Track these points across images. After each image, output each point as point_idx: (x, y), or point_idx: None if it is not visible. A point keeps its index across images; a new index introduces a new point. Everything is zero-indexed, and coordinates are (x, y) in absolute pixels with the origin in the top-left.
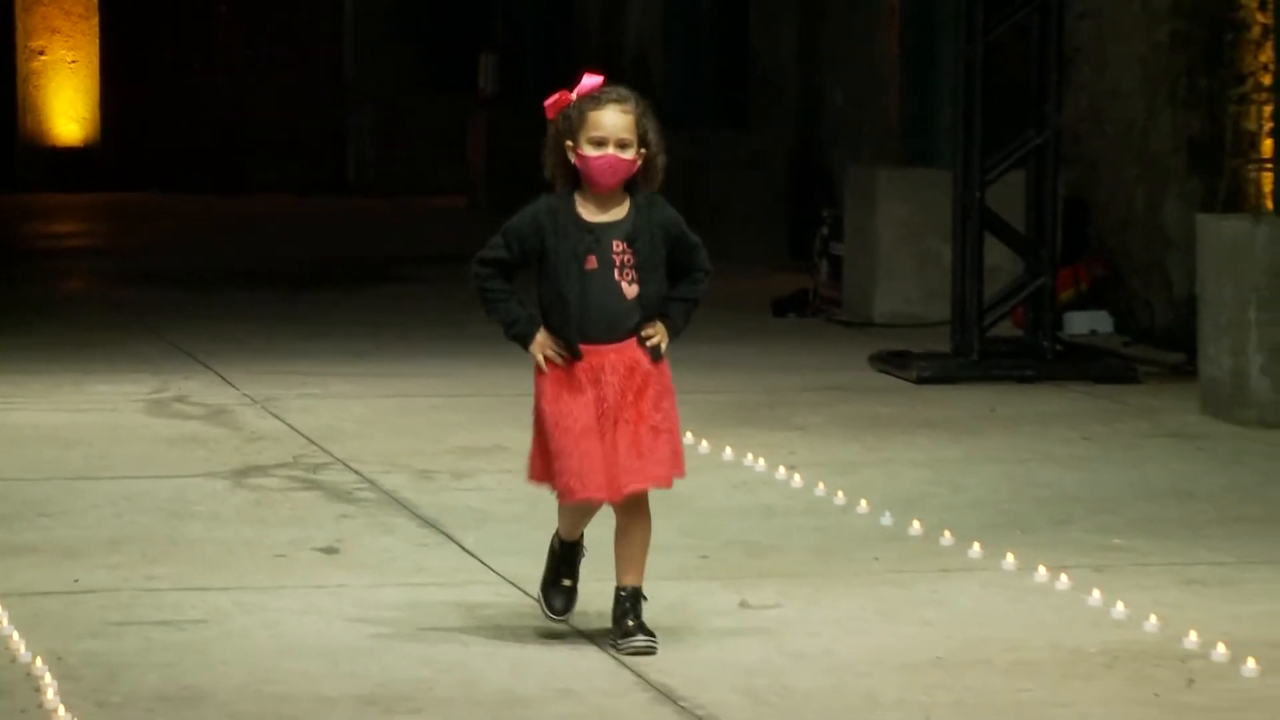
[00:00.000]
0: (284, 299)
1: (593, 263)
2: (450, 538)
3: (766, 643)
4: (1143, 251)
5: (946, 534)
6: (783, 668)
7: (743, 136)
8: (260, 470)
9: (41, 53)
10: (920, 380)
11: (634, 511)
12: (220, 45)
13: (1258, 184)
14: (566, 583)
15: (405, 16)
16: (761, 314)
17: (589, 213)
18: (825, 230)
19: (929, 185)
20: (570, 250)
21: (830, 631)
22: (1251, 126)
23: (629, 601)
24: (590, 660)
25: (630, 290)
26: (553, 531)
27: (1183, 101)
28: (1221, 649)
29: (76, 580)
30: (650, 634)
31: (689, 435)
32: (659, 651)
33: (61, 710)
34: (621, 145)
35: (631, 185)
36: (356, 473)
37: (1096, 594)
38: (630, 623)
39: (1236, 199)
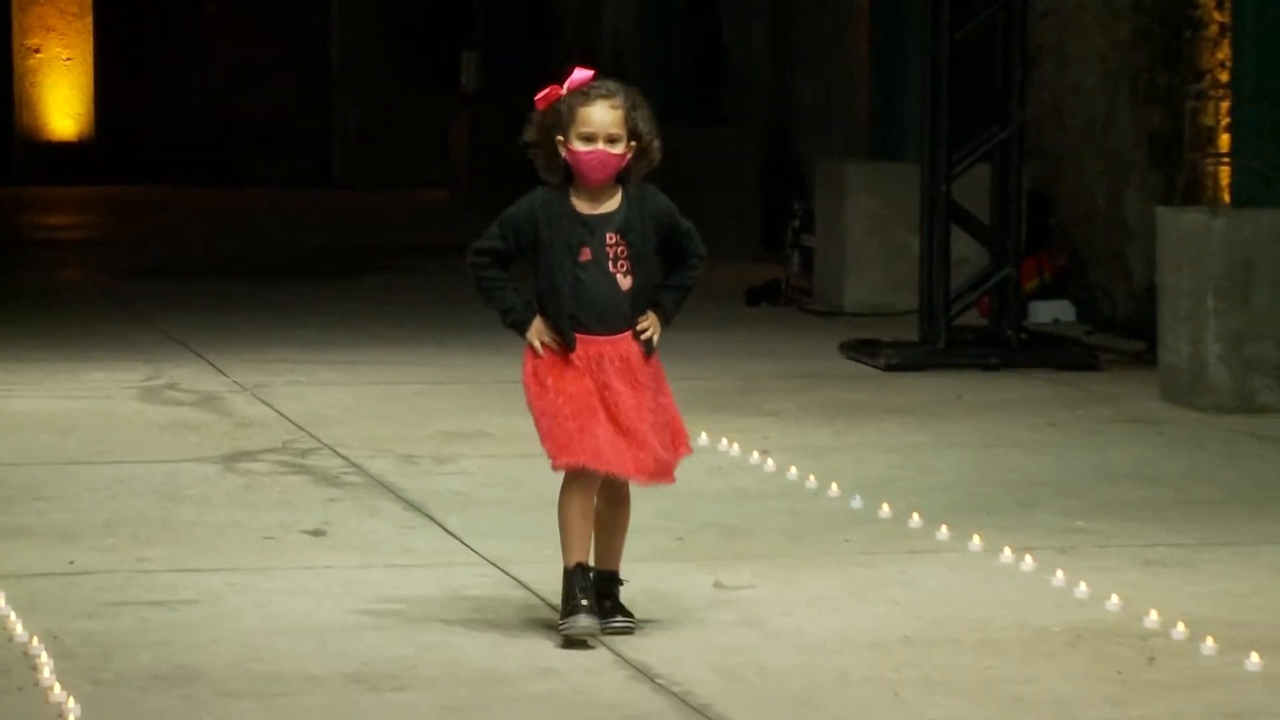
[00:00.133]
0: (273, 289)
1: (587, 255)
2: (434, 520)
3: (740, 622)
4: (1104, 243)
5: (915, 517)
6: (756, 646)
7: (716, 131)
8: (250, 455)
9: (37, 50)
10: (889, 368)
11: (616, 500)
12: (211, 43)
13: (1215, 177)
14: (584, 602)
15: (390, 16)
16: (735, 303)
17: (582, 205)
18: (796, 222)
19: (897, 179)
20: (564, 242)
21: (802, 611)
22: (1209, 122)
23: (607, 584)
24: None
25: (624, 281)
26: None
27: (1143, 97)
28: (1181, 628)
29: (72, 562)
30: (628, 614)
31: None
32: (636, 631)
33: (57, 688)
34: (611, 140)
35: (623, 176)
36: (343, 457)
37: (1060, 575)
38: (608, 603)
39: (1195, 192)
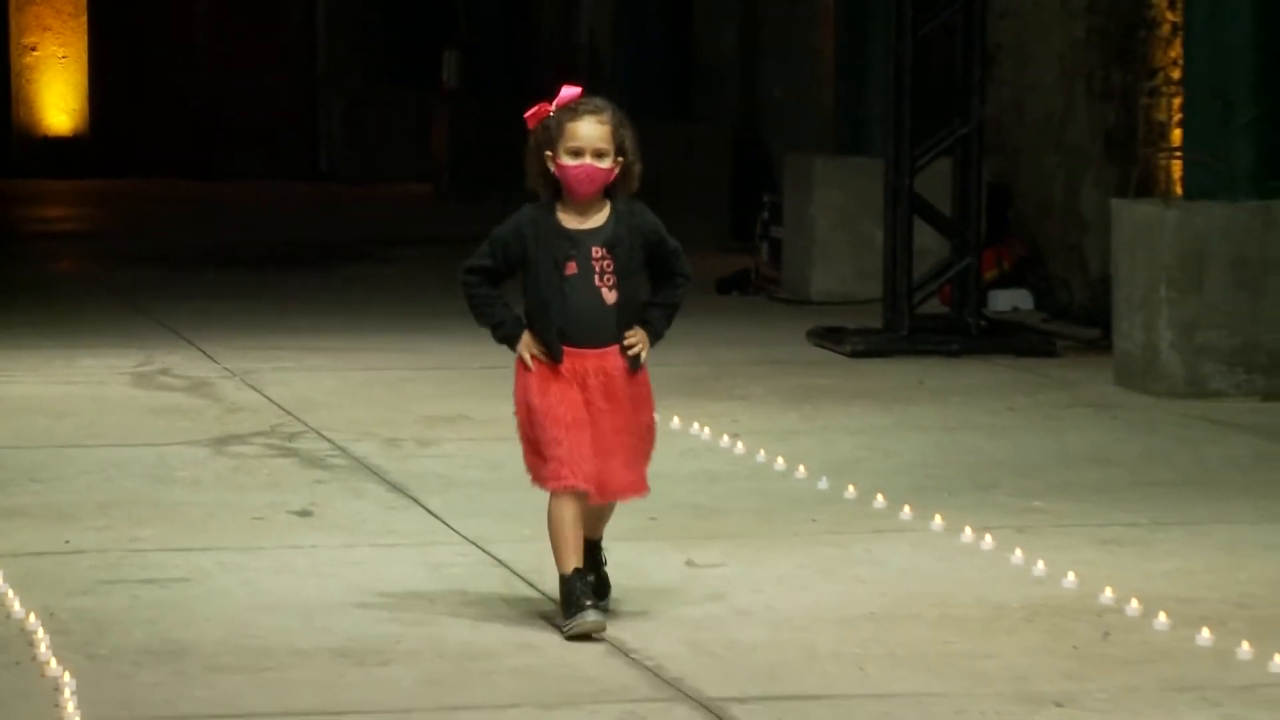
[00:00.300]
0: (261, 279)
1: (573, 269)
2: (417, 501)
3: (712, 599)
4: (1061, 234)
5: (879, 497)
6: (727, 622)
7: (689, 127)
8: (239, 439)
9: (34, 49)
10: (854, 354)
11: (606, 510)
12: (200, 42)
13: (1168, 171)
14: (588, 601)
15: (374, 15)
16: (706, 292)
17: (569, 220)
18: (765, 214)
19: (862, 173)
20: (551, 257)
21: (771, 588)
22: (1162, 117)
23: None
24: (548, 616)
25: (610, 296)
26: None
27: (1098, 94)
28: (1135, 604)
29: (67, 541)
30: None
31: None
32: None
33: (54, 663)
34: (598, 155)
35: (611, 192)
36: (329, 441)
37: (1019, 553)
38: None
39: (1148, 185)
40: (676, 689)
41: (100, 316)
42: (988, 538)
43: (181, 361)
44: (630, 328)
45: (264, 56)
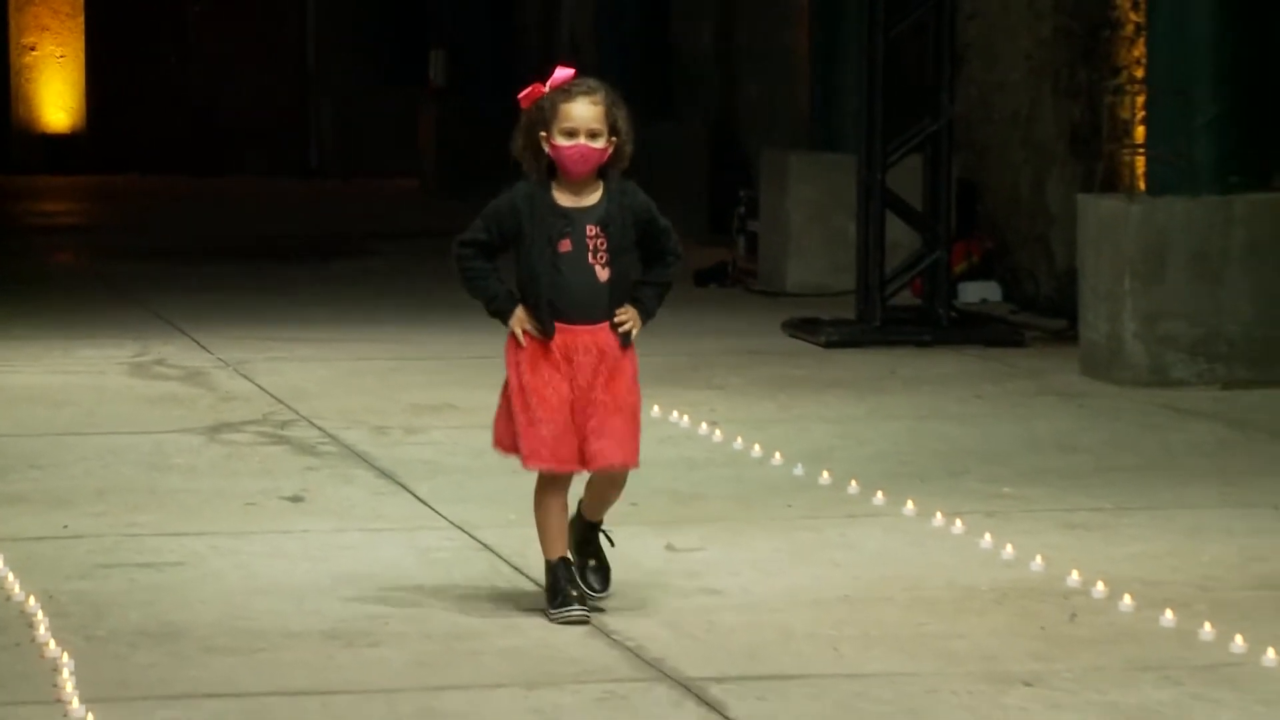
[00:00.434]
0: (253, 272)
1: (567, 246)
2: (405, 487)
3: (691, 582)
4: (1028, 228)
5: (853, 484)
6: (706, 604)
7: (667, 124)
8: (232, 427)
9: (32, 48)
10: (828, 344)
11: (611, 484)
12: (194, 42)
13: (1131, 167)
14: (574, 592)
15: (363, 16)
16: (685, 284)
17: (564, 198)
18: (742, 209)
19: (836, 168)
20: (545, 234)
21: (749, 572)
22: (1126, 115)
23: (589, 531)
24: (532, 599)
25: (603, 273)
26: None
27: (1064, 92)
28: (1100, 586)
29: (66, 526)
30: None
31: None
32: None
33: (52, 644)
34: (592, 135)
35: (604, 172)
36: (320, 429)
37: (988, 537)
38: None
39: (1112, 180)
40: (657, 669)
41: (98, 308)
42: (958, 522)
43: (177, 352)
44: (622, 305)
45: (257, 56)
